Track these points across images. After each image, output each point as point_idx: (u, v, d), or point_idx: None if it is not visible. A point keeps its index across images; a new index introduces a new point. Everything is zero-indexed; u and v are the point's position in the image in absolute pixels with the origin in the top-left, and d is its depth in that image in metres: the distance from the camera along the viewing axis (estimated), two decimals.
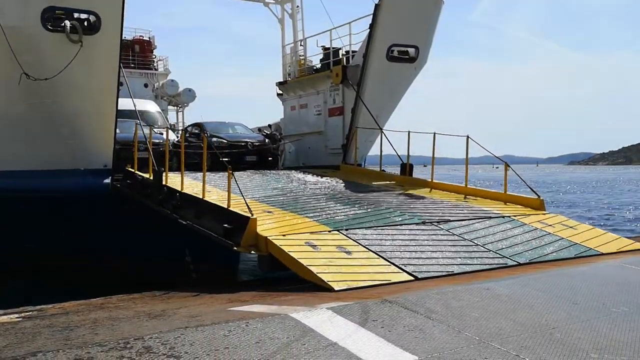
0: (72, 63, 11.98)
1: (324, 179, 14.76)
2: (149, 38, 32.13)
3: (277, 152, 19.86)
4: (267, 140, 18.71)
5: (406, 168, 14.98)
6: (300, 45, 20.41)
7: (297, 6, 20.39)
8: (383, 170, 16.23)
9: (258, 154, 17.93)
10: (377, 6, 15.65)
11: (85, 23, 12.27)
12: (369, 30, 16.04)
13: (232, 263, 16.03)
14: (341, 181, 14.32)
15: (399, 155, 15.28)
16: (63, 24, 11.93)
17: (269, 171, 16.27)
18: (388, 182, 14.59)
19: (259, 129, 21.38)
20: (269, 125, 23.26)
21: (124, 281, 13.37)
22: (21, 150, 13.61)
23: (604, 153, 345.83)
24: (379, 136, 16.63)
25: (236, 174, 14.42)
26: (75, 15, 12.36)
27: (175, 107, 30.83)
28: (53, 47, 12.04)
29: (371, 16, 15.99)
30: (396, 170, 16.43)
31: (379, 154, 16.13)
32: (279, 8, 20.68)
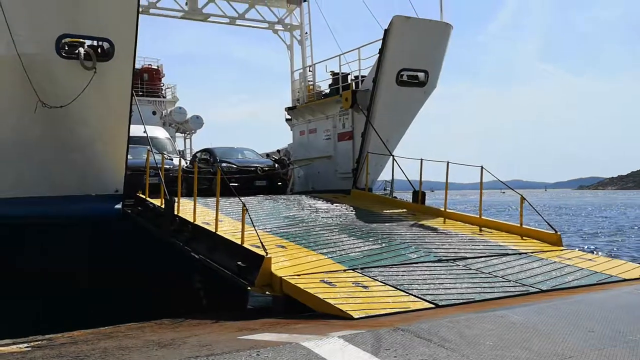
0: (85, 89, 12.13)
1: (334, 205, 14.68)
2: (158, 66, 32.64)
3: (286, 177, 19.92)
4: (276, 165, 18.80)
5: (418, 196, 14.88)
6: (309, 70, 20.58)
7: (306, 33, 20.61)
8: (395, 197, 16.17)
9: (267, 179, 18.00)
10: (386, 31, 15.77)
11: (99, 50, 12.44)
12: (378, 55, 16.14)
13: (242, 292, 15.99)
14: (352, 208, 14.22)
15: (410, 182, 15.25)
16: (77, 51, 12.10)
17: (279, 197, 16.24)
18: (400, 210, 14.50)
19: (267, 155, 21.49)
20: (278, 151, 23.36)
21: (133, 307, 13.34)
22: (33, 176, 13.68)
23: (612, 177, 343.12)
24: (389, 161, 16.65)
25: (246, 199, 14.45)
26: (89, 42, 12.56)
27: (183, 134, 31.09)
28: (67, 74, 12.19)
29: (380, 41, 16.13)
30: (404, 194, 16.40)
31: (391, 179, 16.09)
32: (288, 35, 20.91)
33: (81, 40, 12.37)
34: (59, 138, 12.91)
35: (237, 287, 14.90)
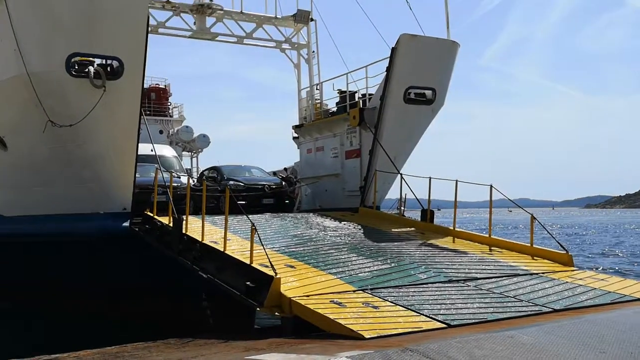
0: (95, 107, 12.17)
1: (343, 223, 14.59)
2: (165, 86, 32.95)
3: (293, 195, 19.87)
4: (283, 183, 18.76)
5: (427, 214, 14.78)
6: (317, 89, 20.64)
7: (313, 51, 20.71)
8: (403, 216, 16.08)
9: (275, 197, 17.96)
10: (393, 49, 15.81)
11: (108, 68, 12.51)
12: (385, 73, 16.16)
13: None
14: (360, 227, 14.12)
15: (418, 200, 15.17)
16: (87, 70, 12.17)
17: (286, 215, 16.17)
18: (408, 229, 14.40)
19: (274, 173, 21.47)
20: (285, 169, 23.34)
21: (140, 325, 13.25)
22: (42, 195, 13.73)
23: (621, 196, 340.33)
24: (397, 178, 16.57)
25: (254, 217, 14.36)
26: (99, 61, 12.65)
27: (190, 153, 31.21)
28: (77, 92, 12.24)
29: (387, 59, 16.17)
30: (412, 213, 16.29)
31: (399, 197, 16.00)
32: (295, 53, 21.02)
33: (91, 59, 12.47)
34: (68, 156, 12.95)
35: (244, 306, 14.80)
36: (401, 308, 7.85)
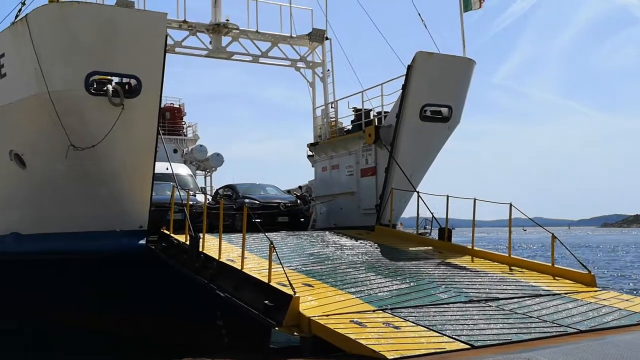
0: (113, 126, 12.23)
1: (359, 242, 14.44)
2: (179, 105, 33.21)
3: (308, 214, 19.75)
4: (298, 201, 18.67)
5: (444, 233, 14.61)
6: (332, 107, 20.64)
7: (328, 70, 20.72)
8: (420, 234, 15.91)
9: (290, 215, 17.86)
10: (409, 67, 15.78)
11: (126, 86, 12.59)
12: (401, 90, 16.12)
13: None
14: (377, 245, 13.96)
15: (436, 219, 15.03)
16: (105, 88, 12.26)
17: (302, 233, 16.05)
18: (426, 248, 14.24)
19: (288, 191, 21.40)
20: (300, 187, 23.26)
21: (155, 345, 13.14)
22: (59, 212, 13.75)
23: (637, 215, 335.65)
24: (412, 196, 16.44)
25: (270, 235, 14.26)
26: (117, 79, 12.74)
27: (204, 172, 31.29)
28: (95, 111, 12.33)
29: (403, 77, 16.14)
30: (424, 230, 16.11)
31: (416, 216, 15.85)
32: (310, 72, 21.05)
33: (109, 77, 12.56)
34: (85, 174, 12.97)
35: (259, 326, 14.64)
36: (423, 328, 7.71)
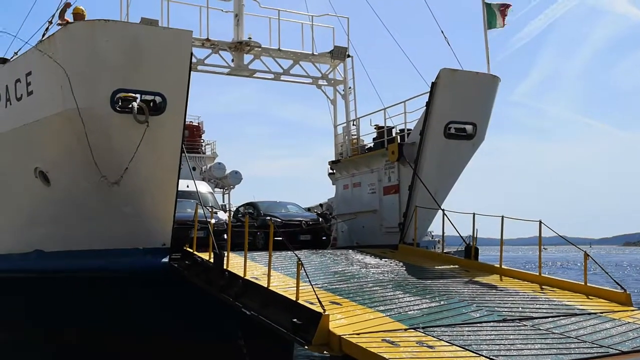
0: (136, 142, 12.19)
1: (383, 260, 14.21)
2: (198, 123, 33.37)
3: (329, 232, 19.57)
4: (320, 220, 18.50)
5: (471, 251, 14.32)
6: (353, 124, 20.54)
7: (350, 87, 20.67)
8: (446, 253, 15.65)
9: (312, 233, 17.68)
10: (434, 84, 15.65)
11: (151, 104, 12.57)
12: (425, 107, 15.99)
13: (287, 342, 15.46)
14: (402, 264, 13.73)
15: (462, 237, 14.77)
16: (131, 105, 12.24)
17: (325, 251, 15.87)
18: (452, 266, 13.97)
19: (309, 209, 21.24)
20: (320, 205, 23.10)
21: None
22: (82, 230, 13.70)
23: None
24: (436, 215, 16.21)
25: (292, 254, 14.10)
26: (142, 96, 12.72)
27: (222, 190, 31.31)
28: (120, 128, 12.30)
29: (425, 95, 16.03)
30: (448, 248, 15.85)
31: (441, 234, 15.59)
32: (331, 89, 21.01)
33: (133, 95, 12.56)
34: (109, 191, 12.92)
35: (281, 346, 14.35)
36: (458, 348, 7.48)
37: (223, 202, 31.11)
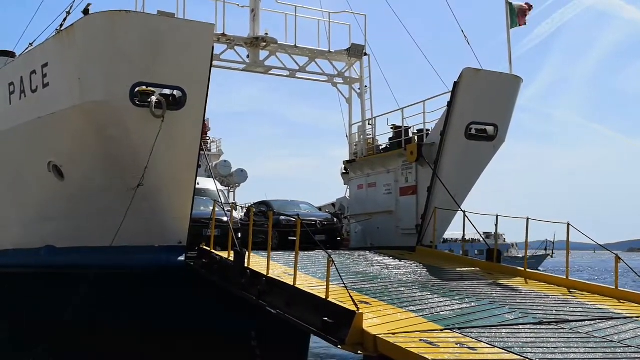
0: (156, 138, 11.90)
1: (403, 262, 13.92)
2: (204, 121, 33.00)
3: (344, 232, 19.27)
4: (335, 219, 18.18)
5: (493, 254, 14.02)
6: (369, 124, 20.23)
7: (366, 86, 20.35)
8: (465, 255, 15.36)
9: (327, 233, 17.36)
10: (456, 84, 15.36)
11: (170, 98, 12.24)
12: (446, 107, 15.69)
13: (301, 344, 15.19)
14: (422, 265, 13.45)
15: (484, 240, 14.47)
16: (149, 100, 11.93)
17: (343, 252, 15.60)
18: (473, 269, 13.70)
19: (320, 209, 20.93)
20: (333, 204, 22.78)
21: None
22: (96, 226, 13.40)
23: None
24: (455, 217, 15.93)
25: (310, 254, 13.82)
26: (161, 90, 12.40)
27: (227, 187, 31.11)
28: (138, 122, 12.01)
29: (446, 94, 15.76)
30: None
31: (462, 236, 15.29)
32: (347, 88, 20.70)
33: (152, 89, 12.24)
34: (126, 187, 12.62)
35: (293, 347, 14.06)
36: (500, 350, 7.19)
37: (229, 200, 30.91)
